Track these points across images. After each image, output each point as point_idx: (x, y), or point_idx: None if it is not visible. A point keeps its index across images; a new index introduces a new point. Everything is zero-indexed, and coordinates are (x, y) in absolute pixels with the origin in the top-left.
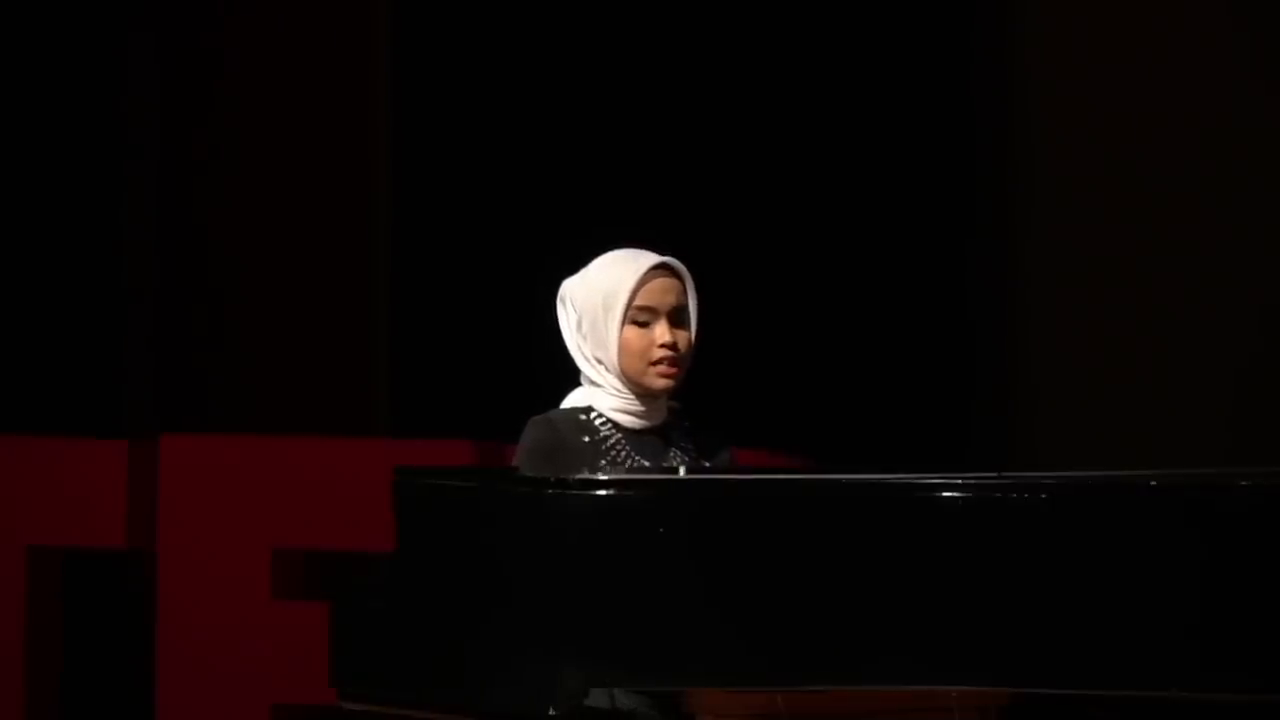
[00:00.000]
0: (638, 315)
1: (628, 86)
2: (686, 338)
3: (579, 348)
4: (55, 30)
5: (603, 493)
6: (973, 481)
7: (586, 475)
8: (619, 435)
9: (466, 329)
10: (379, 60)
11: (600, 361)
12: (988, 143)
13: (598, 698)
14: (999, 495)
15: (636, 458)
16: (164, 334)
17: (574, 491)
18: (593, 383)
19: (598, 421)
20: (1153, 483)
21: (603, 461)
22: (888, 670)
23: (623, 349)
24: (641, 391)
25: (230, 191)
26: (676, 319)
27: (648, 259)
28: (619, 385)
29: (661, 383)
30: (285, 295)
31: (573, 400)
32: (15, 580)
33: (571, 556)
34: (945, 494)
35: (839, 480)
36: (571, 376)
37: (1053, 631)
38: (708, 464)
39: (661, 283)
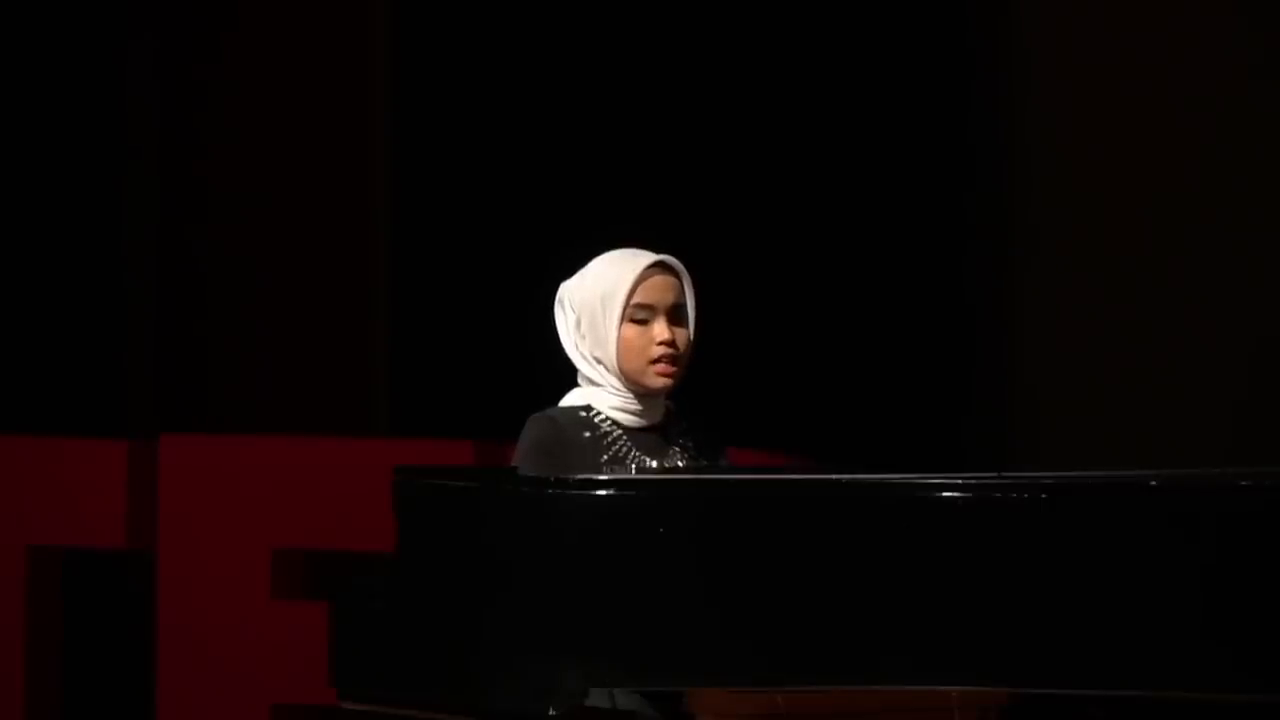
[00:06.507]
0: (636, 313)
1: (627, 87)
2: (685, 335)
3: (577, 347)
4: (56, 33)
5: (603, 493)
6: (973, 481)
7: (587, 475)
8: (620, 431)
9: (466, 329)
10: (379, 61)
11: (599, 360)
12: (986, 141)
13: (598, 698)
14: (999, 495)
15: (638, 453)
16: (164, 334)
17: (574, 491)
18: (591, 382)
19: (598, 419)
20: (1153, 483)
21: (605, 457)
22: (888, 670)
23: (622, 347)
24: (640, 390)
25: (230, 193)
26: (675, 317)
27: (646, 257)
28: (618, 384)
29: (660, 381)
30: (285, 296)
31: (570, 400)
32: (15, 580)
33: (572, 557)
34: (945, 494)
35: (839, 480)
36: (570, 377)
37: (1053, 631)
38: (706, 463)
39: (660, 280)
